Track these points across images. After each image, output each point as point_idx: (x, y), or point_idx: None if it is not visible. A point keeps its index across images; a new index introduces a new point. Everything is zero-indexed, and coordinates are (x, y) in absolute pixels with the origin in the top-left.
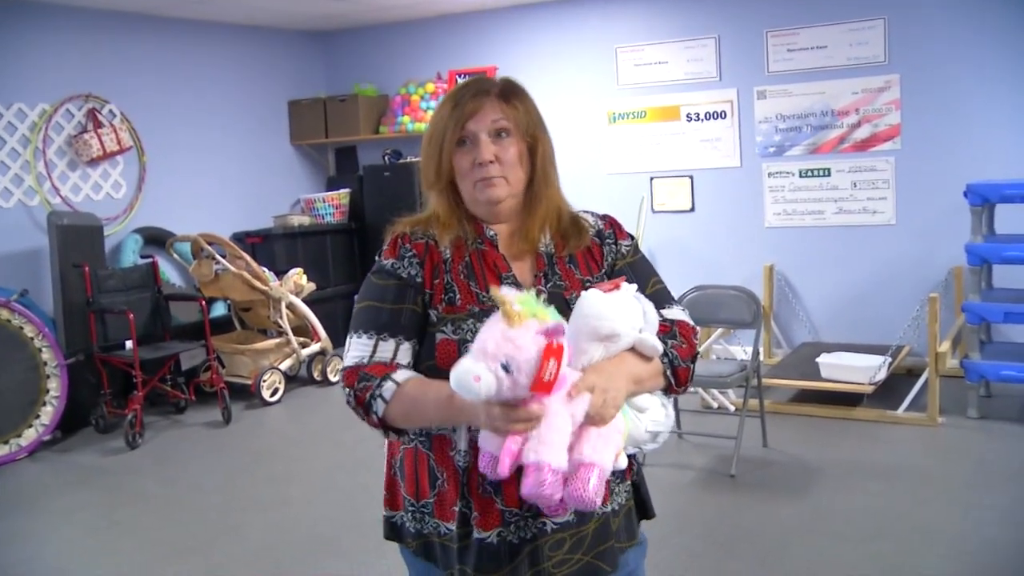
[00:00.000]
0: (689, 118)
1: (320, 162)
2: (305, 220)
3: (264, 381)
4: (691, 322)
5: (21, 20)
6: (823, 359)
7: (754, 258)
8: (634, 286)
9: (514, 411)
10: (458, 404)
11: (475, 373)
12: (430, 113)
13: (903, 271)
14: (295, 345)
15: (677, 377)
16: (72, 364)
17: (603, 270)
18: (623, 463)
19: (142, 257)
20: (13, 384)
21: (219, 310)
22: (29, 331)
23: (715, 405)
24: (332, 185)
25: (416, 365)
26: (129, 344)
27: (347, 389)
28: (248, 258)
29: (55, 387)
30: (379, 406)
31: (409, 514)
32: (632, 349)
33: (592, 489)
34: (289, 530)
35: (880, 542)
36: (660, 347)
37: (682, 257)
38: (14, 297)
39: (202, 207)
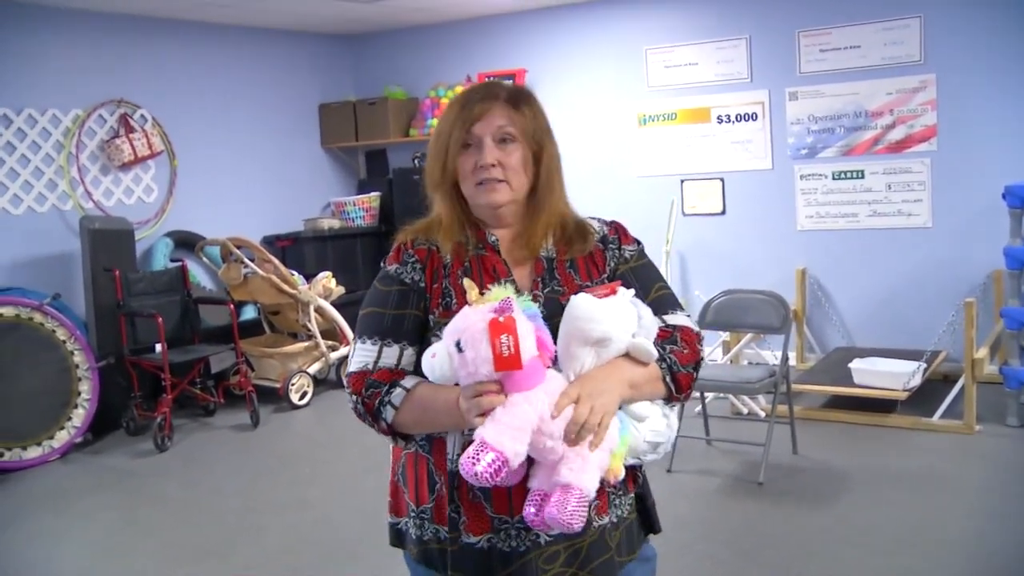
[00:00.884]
0: (720, 120)
1: (350, 165)
2: (335, 223)
3: (292, 384)
4: (696, 328)
5: (55, 27)
6: (855, 364)
7: (786, 261)
8: (631, 291)
9: (472, 400)
10: (463, 406)
11: (433, 351)
12: None
13: (939, 275)
14: (323, 348)
15: (678, 383)
16: (103, 367)
17: (604, 275)
18: (618, 476)
19: (173, 260)
20: (46, 386)
21: (250, 313)
22: (61, 334)
23: (745, 411)
24: (362, 188)
25: (417, 370)
26: (159, 347)
27: (354, 396)
28: (276, 261)
29: (86, 390)
30: (389, 413)
31: (412, 520)
32: (627, 355)
33: (568, 512)
34: (309, 534)
35: (910, 554)
36: (655, 352)
37: (713, 261)
38: (47, 300)
39: (233, 211)
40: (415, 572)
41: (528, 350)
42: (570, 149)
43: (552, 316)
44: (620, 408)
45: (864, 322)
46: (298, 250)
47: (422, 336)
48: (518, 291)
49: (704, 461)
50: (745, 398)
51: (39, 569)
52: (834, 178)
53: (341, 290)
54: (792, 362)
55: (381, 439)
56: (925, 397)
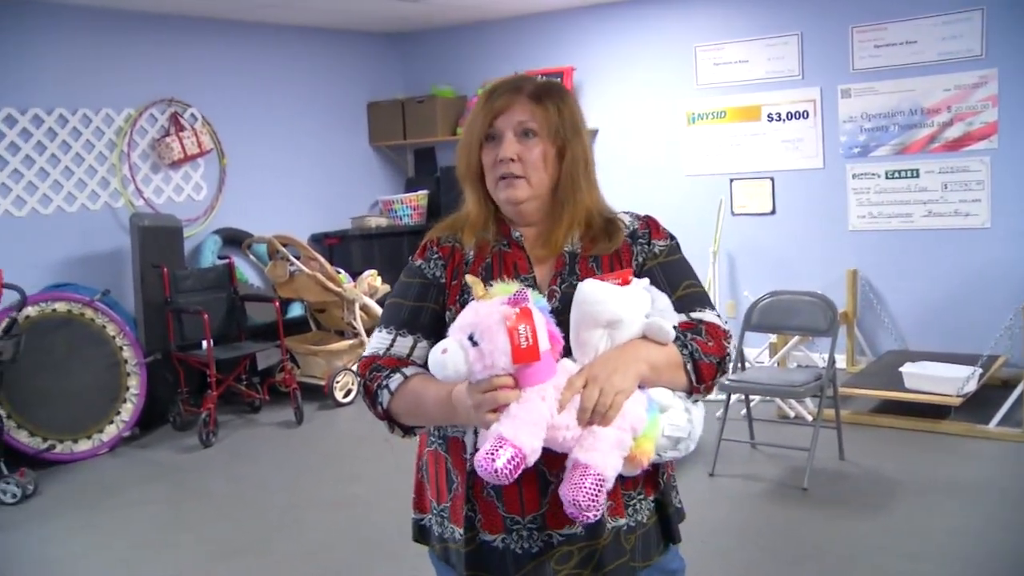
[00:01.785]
0: (770, 118)
1: (399, 163)
2: (382, 221)
3: (337, 382)
4: (724, 326)
5: (108, 28)
6: (907, 368)
7: (837, 262)
8: (645, 280)
9: (484, 396)
10: (454, 401)
11: (443, 347)
12: None
13: (997, 277)
14: None
15: (699, 372)
16: (151, 362)
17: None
18: (649, 457)
19: (220, 258)
20: (96, 381)
21: (296, 311)
22: (111, 330)
23: (792, 415)
24: (410, 187)
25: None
26: (205, 344)
27: (359, 378)
28: (322, 259)
29: (135, 385)
30: (384, 397)
31: (434, 517)
32: (644, 337)
33: (584, 493)
34: (348, 531)
35: (959, 566)
36: (670, 331)
37: (762, 261)
38: (97, 297)
39: (281, 208)
40: (438, 569)
41: (543, 342)
42: (618, 147)
43: (567, 311)
44: (643, 389)
45: (917, 325)
46: (345, 248)
47: (438, 331)
48: (536, 288)
49: (748, 465)
50: (792, 401)
51: (87, 559)
52: (887, 177)
53: (386, 288)
54: (842, 365)
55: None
56: (981, 403)
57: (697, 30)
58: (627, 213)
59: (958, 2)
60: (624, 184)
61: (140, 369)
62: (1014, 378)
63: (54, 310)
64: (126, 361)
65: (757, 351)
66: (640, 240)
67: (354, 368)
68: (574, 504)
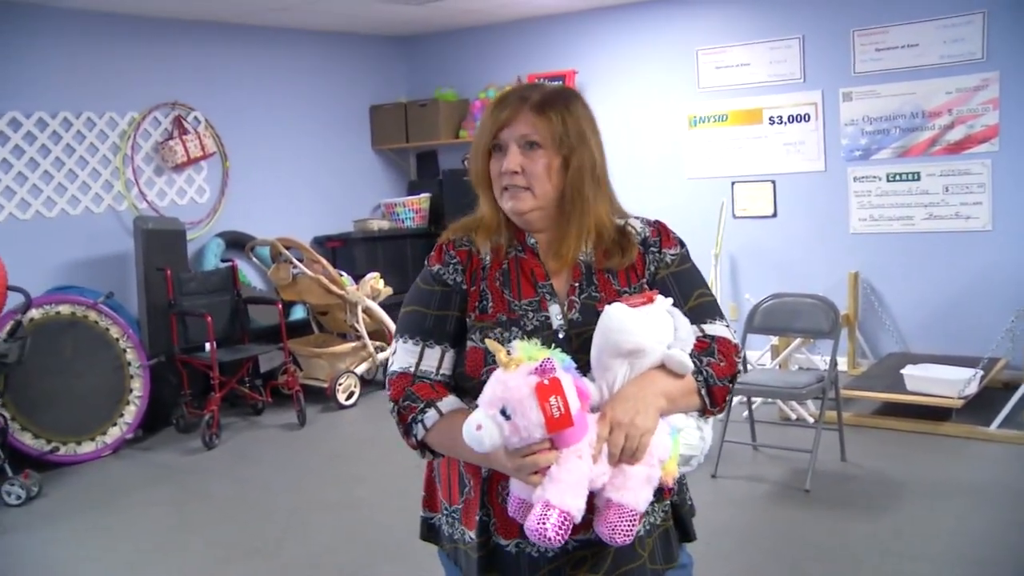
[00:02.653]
0: (772, 121)
1: (401, 166)
2: (385, 224)
3: (340, 384)
4: (734, 339)
5: (112, 32)
6: (909, 371)
7: (838, 265)
8: (668, 300)
9: (524, 460)
10: (491, 459)
11: (477, 422)
12: None
13: (998, 279)
14: (371, 349)
15: (713, 397)
16: (154, 365)
17: (643, 279)
18: (675, 477)
19: (223, 261)
20: (100, 383)
21: (299, 313)
22: (115, 332)
23: (793, 416)
24: (413, 189)
25: (455, 371)
26: (208, 346)
27: (392, 402)
28: (325, 262)
29: (138, 387)
30: (419, 431)
31: (444, 517)
32: (661, 366)
33: (622, 532)
34: (355, 533)
35: (962, 567)
36: (690, 365)
37: (763, 264)
38: (101, 299)
39: (284, 211)
40: (447, 569)
41: (573, 406)
42: (620, 150)
43: (587, 323)
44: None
45: (918, 327)
46: (348, 251)
47: (461, 336)
48: (547, 336)
49: (750, 467)
50: (793, 403)
51: (91, 563)
52: (889, 180)
53: (389, 291)
54: (844, 367)
55: None
56: (982, 405)
57: (699, 33)
58: (638, 219)
59: (959, 5)
60: (626, 187)
61: (144, 371)
62: (1015, 380)
63: (58, 313)
64: (130, 363)
65: (759, 353)
66: (652, 248)
67: (357, 371)
68: (611, 540)
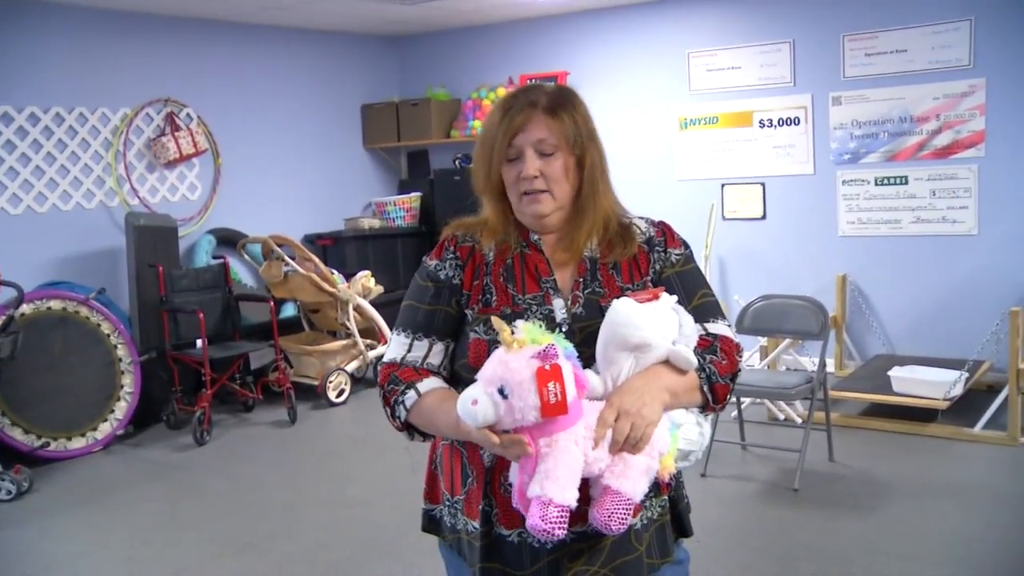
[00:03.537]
0: (762, 124)
1: (392, 166)
2: (376, 223)
3: (330, 382)
4: (735, 338)
5: (105, 28)
6: (895, 372)
7: (827, 267)
8: (674, 298)
9: (499, 440)
10: (463, 429)
11: (473, 397)
12: None
13: (984, 283)
14: (362, 347)
15: (715, 393)
16: (145, 361)
17: (647, 277)
18: (672, 472)
19: (215, 258)
20: (91, 379)
21: (290, 311)
22: (106, 328)
23: (782, 417)
24: (404, 188)
25: (453, 363)
26: (200, 343)
27: (379, 388)
28: (316, 260)
29: (129, 383)
30: (401, 412)
31: (446, 509)
32: (666, 361)
33: (616, 519)
34: (346, 530)
35: (948, 566)
36: (694, 360)
37: (752, 265)
38: (92, 295)
39: (275, 209)
40: (448, 560)
41: (570, 392)
42: (611, 152)
43: (590, 318)
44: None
45: (905, 330)
46: (339, 249)
47: (455, 330)
48: (551, 328)
49: (739, 466)
50: (782, 404)
51: (82, 558)
52: (877, 184)
53: (380, 289)
54: (831, 369)
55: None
56: (967, 407)
57: (690, 36)
58: (642, 219)
59: (948, 12)
60: (617, 188)
61: (134, 368)
62: (999, 383)
63: (49, 308)
64: (120, 359)
65: (748, 354)
66: (657, 248)
67: (348, 369)
68: (606, 528)
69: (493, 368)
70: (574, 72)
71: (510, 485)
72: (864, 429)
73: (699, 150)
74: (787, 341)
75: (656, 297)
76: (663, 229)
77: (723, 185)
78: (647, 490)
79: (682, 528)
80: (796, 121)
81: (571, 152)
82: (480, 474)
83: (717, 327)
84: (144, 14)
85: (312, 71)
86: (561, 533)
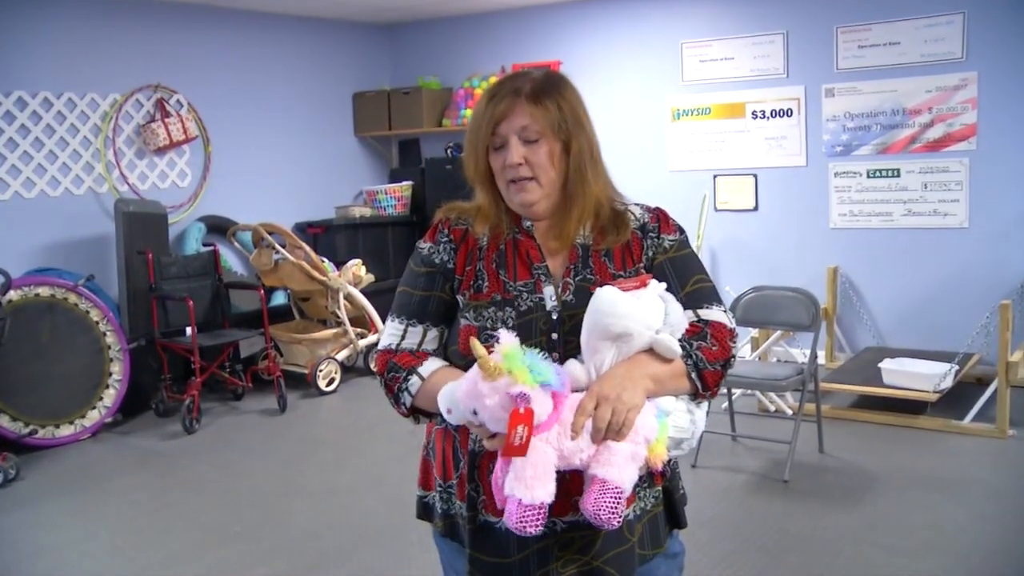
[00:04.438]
0: (754, 115)
1: (383, 154)
2: (366, 212)
3: (320, 371)
4: (730, 324)
5: (94, 12)
6: (886, 364)
7: (818, 259)
8: (662, 285)
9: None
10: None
11: (448, 407)
12: None
13: (974, 276)
14: (352, 336)
15: (704, 380)
16: (134, 349)
17: (640, 264)
18: (663, 459)
19: (205, 245)
20: (79, 367)
21: (280, 299)
22: (95, 315)
23: (772, 408)
24: (395, 177)
25: (445, 348)
26: (189, 330)
27: (379, 376)
28: (307, 248)
29: (118, 371)
30: (406, 399)
31: (439, 494)
32: (651, 349)
33: (605, 508)
34: (336, 519)
35: (936, 558)
36: (677, 349)
37: (744, 257)
38: (81, 282)
39: (265, 197)
40: (440, 546)
41: (539, 418)
42: (603, 143)
43: (581, 305)
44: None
45: (896, 322)
46: (329, 238)
47: (449, 316)
48: (549, 277)
49: (729, 457)
50: (772, 395)
51: (69, 546)
52: (869, 176)
53: (371, 278)
54: (821, 361)
55: (409, 428)
56: (956, 400)
57: (683, 27)
58: (638, 205)
59: (941, 5)
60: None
61: (123, 355)
62: (988, 375)
63: (37, 295)
64: (109, 347)
65: (738, 345)
66: (650, 234)
67: (338, 358)
68: (595, 517)
69: (466, 393)
70: (567, 62)
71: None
72: (854, 421)
73: (691, 141)
74: (778, 333)
75: (644, 284)
76: (658, 215)
77: (715, 176)
78: (636, 478)
79: (676, 519)
80: (789, 113)
81: (557, 138)
82: (468, 458)
83: (711, 313)
84: None
85: (303, 59)
86: (534, 530)
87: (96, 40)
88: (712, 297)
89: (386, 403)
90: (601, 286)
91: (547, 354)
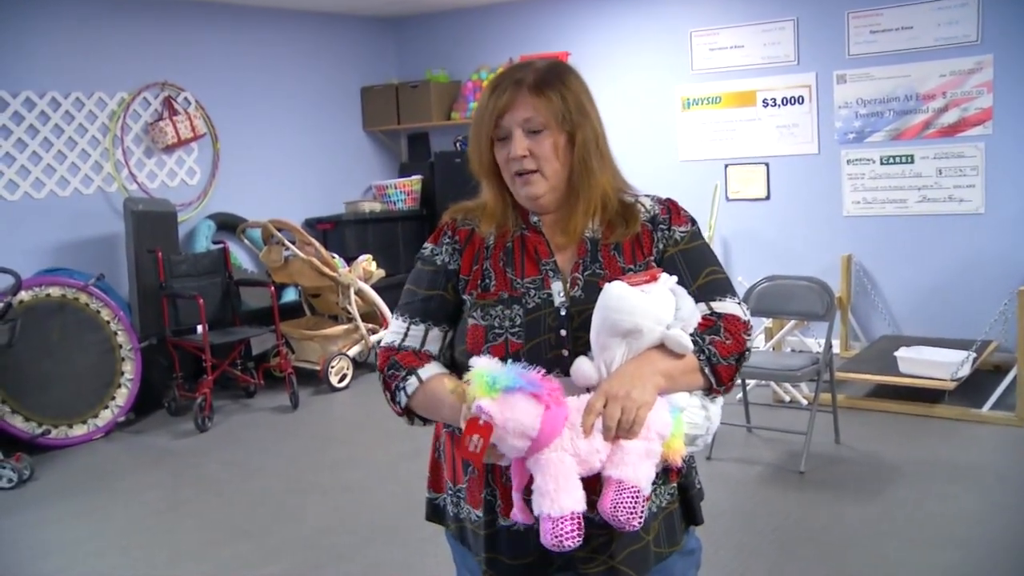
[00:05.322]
0: (765, 103)
1: (392, 149)
2: (376, 207)
3: (332, 367)
4: (744, 316)
5: (102, 10)
6: (902, 353)
7: (831, 248)
8: (673, 278)
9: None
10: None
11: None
12: None
13: (991, 262)
14: (363, 331)
15: (717, 375)
16: (145, 347)
17: (651, 257)
18: (682, 455)
19: (214, 243)
20: (90, 366)
21: (291, 296)
22: (105, 315)
23: (787, 399)
24: (404, 171)
25: (453, 349)
26: (200, 328)
27: (379, 372)
28: (317, 244)
29: (129, 370)
30: (402, 398)
31: (449, 497)
32: (662, 345)
33: (623, 508)
34: (347, 516)
35: (953, 550)
36: (689, 345)
37: (756, 246)
38: (91, 281)
39: (275, 193)
40: (454, 548)
41: (529, 422)
42: (613, 132)
43: (589, 300)
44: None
45: (911, 310)
46: (339, 233)
47: (453, 316)
48: (557, 272)
49: (744, 449)
50: (787, 386)
51: (82, 545)
52: (882, 163)
53: (381, 273)
54: (836, 350)
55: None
56: (974, 388)
57: (693, 15)
58: (648, 196)
59: None
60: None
61: (135, 354)
62: (1006, 363)
63: (48, 295)
64: (120, 346)
65: (753, 335)
66: (661, 226)
67: (350, 354)
68: (615, 519)
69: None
70: (575, 52)
71: (511, 475)
72: (870, 411)
73: (702, 130)
74: (792, 323)
75: (654, 279)
76: (669, 206)
77: (726, 166)
78: (653, 475)
79: (692, 516)
80: (800, 100)
81: (561, 130)
82: (480, 464)
83: (724, 305)
84: None
85: (311, 54)
86: (572, 543)
87: (103, 39)
88: (726, 289)
89: None
90: (610, 281)
91: (556, 351)
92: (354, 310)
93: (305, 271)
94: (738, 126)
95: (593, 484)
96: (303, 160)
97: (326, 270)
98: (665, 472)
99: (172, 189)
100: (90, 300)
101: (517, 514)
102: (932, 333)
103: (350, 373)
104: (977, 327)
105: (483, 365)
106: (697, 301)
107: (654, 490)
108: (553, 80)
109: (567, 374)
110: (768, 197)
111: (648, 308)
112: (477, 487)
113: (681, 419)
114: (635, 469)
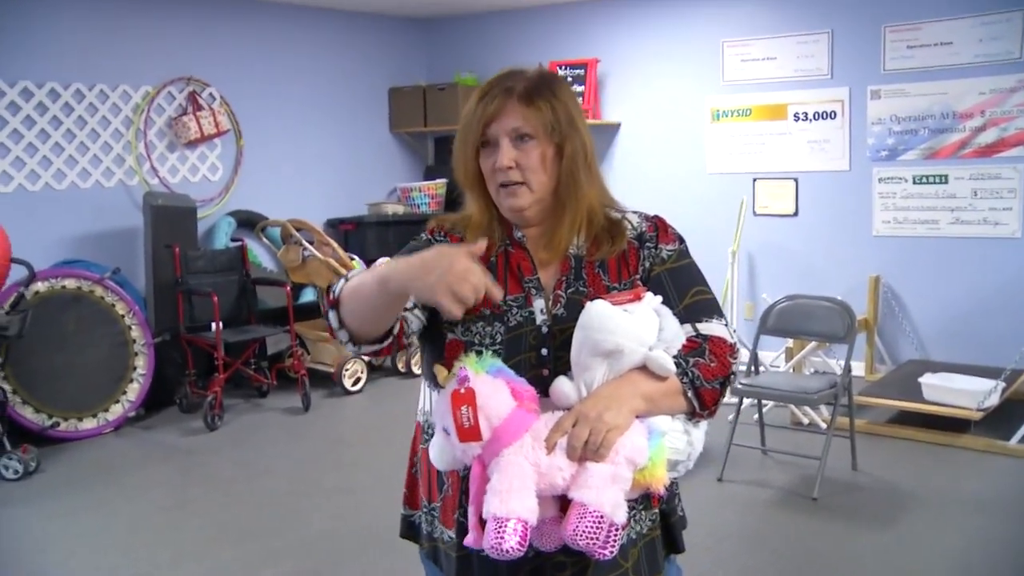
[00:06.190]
0: (796, 117)
1: (419, 151)
2: (399, 209)
3: (347, 370)
4: (731, 339)
5: (129, 4)
6: (927, 379)
7: (859, 267)
8: (658, 298)
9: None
10: (392, 287)
11: (432, 444)
12: None
13: None
14: None
15: (701, 399)
16: (159, 343)
17: (636, 275)
18: (664, 484)
19: (234, 240)
20: (103, 360)
21: (309, 296)
22: (120, 308)
23: (806, 421)
24: (429, 174)
25: (430, 366)
26: (214, 326)
27: (324, 303)
28: (335, 245)
29: (142, 365)
30: (339, 284)
31: (424, 515)
32: (644, 367)
33: (583, 532)
34: (351, 520)
35: None
36: (671, 367)
37: (782, 263)
38: (107, 274)
39: (297, 192)
40: (427, 568)
41: (498, 409)
42: (640, 142)
43: (572, 319)
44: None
45: (940, 335)
46: (360, 234)
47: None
48: (540, 290)
49: (758, 471)
50: (807, 408)
51: (85, 539)
52: (915, 182)
53: None
54: (861, 373)
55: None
56: (1003, 419)
57: (725, 25)
58: (636, 213)
59: (998, 2)
60: (645, 180)
61: (148, 349)
62: None
63: (64, 287)
64: (134, 341)
65: (773, 355)
66: (648, 244)
67: (364, 357)
68: (573, 544)
69: (435, 408)
70: (605, 60)
71: None
72: (891, 437)
73: (731, 143)
74: (813, 343)
75: (638, 298)
76: (656, 224)
77: (755, 180)
78: (621, 501)
79: (674, 543)
80: (832, 115)
81: (550, 141)
82: (455, 482)
83: (710, 327)
84: None
85: (339, 52)
86: (520, 549)
87: (129, 32)
88: (712, 310)
89: (410, 402)
90: (593, 299)
91: (536, 370)
92: None
93: (323, 271)
94: (768, 140)
95: (566, 502)
96: (327, 160)
97: (343, 271)
98: (647, 498)
99: (194, 184)
100: (105, 293)
101: (470, 535)
102: (960, 359)
103: (364, 377)
104: (1008, 355)
105: (472, 358)
106: (683, 322)
107: (633, 515)
108: (543, 90)
109: (547, 394)
110: (796, 213)
111: (630, 328)
112: (451, 506)
113: (662, 447)
114: (599, 493)
